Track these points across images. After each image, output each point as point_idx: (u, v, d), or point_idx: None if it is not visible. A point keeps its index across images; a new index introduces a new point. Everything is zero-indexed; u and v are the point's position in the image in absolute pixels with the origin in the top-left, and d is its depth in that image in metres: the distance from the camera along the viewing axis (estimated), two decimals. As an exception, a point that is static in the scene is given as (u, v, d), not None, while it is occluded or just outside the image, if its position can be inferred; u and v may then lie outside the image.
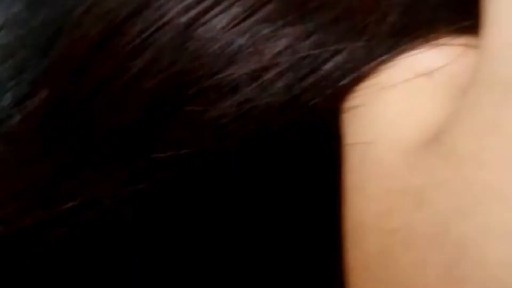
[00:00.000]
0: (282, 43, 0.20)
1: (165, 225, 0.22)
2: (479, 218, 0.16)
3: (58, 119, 0.22)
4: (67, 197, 0.22)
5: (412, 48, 0.20)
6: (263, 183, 0.22)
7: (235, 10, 0.21)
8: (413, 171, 0.17)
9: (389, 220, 0.17)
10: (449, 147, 0.17)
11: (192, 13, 0.21)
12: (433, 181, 0.17)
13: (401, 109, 0.19)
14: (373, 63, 0.20)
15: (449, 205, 0.16)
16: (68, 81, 0.22)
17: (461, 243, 0.16)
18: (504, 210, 0.16)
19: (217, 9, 0.21)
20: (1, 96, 0.23)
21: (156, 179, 0.21)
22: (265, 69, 0.21)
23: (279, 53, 0.20)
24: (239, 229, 0.22)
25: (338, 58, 0.20)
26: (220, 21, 0.21)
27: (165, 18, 0.21)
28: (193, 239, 0.23)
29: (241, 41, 0.21)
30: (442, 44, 0.20)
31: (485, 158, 0.16)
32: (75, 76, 0.22)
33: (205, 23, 0.21)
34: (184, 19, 0.21)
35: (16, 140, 0.23)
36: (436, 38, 0.20)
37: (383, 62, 0.20)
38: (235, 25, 0.21)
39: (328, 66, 0.20)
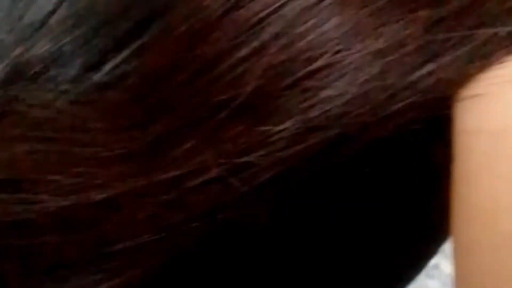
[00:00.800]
0: (409, 26, 0.21)
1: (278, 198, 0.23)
2: None
3: (164, 88, 0.23)
4: (171, 166, 0.23)
5: None
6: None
7: None
8: None
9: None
10: None
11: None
12: None
13: None
14: (502, 51, 0.20)
15: None
16: (182, 50, 0.23)
17: None
18: None
19: None
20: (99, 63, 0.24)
21: (269, 152, 0.22)
22: (388, 50, 0.21)
23: (405, 37, 0.21)
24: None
25: (466, 46, 0.21)
26: None
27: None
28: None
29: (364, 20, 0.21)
30: None
31: None
32: (188, 46, 0.23)
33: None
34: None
35: (120, 105, 0.24)
36: None
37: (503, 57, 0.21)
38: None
39: (454, 52, 0.21)
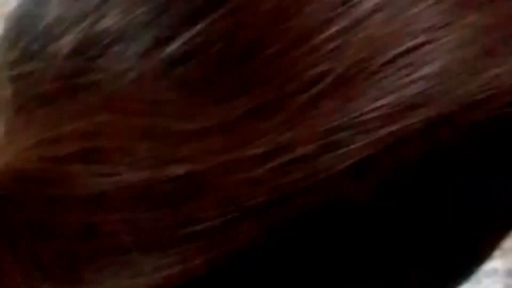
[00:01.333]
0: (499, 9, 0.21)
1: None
2: None
3: (254, 61, 0.22)
4: (259, 141, 0.22)
5: None
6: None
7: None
8: None
9: None
10: None
11: None
12: None
13: None
14: None
15: None
16: (273, 22, 0.22)
17: None
18: None
19: None
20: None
21: (364, 131, 0.21)
22: (493, 27, 0.21)
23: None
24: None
25: None
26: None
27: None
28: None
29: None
30: None
31: None
32: (280, 18, 0.22)
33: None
34: None
35: (203, 79, 0.23)
36: None
37: None
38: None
39: None
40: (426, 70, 0.21)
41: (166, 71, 0.23)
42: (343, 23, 0.21)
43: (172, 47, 0.23)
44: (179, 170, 0.22)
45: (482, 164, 0.23)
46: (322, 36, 0.21)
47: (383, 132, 0.21)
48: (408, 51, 0.21)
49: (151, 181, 0.22)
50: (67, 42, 0.24)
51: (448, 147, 0.22)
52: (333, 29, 0.21)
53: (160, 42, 0.23)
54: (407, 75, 0.21)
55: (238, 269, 0.23)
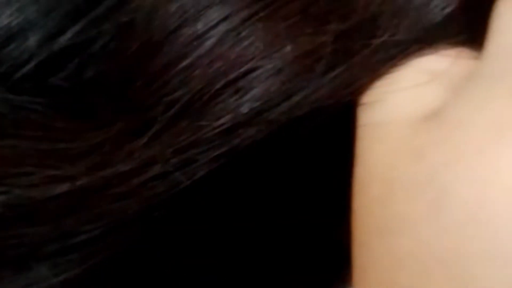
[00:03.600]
0: (319, 38, 0.25)
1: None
2: (458, 168, 0.21)
3: (125, 91, 0.26)
4: (126, 160, 0.25)
5: (421, 53, 0.25)
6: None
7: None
8: (415, 135, 0.23)
9: (391, 171, 0.23)
10: (444, 117, 0.22)
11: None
12: (429, 141, 0.22)
13: (409, 97, 0.24)
14: (388, 64, 0.25)
15: (438, 159, 0.22)
16: (139, 60, 0.26)
17: (441, 186, 0.21)
18: (479, 162, 0.21)
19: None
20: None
21: (208, 148, 0.25)
22: (300, 57, 0.25)
23: (316, 46, 0.25)
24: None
25: (357, 59, 0.25)
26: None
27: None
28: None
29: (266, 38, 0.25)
30: (447, 51, 0.25)
31: (469, 124, 0.22)
32: (145, 56, 0.26)
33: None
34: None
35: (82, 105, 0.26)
36: (442, 47, 0.25)
37: (398, 63, 0.25)
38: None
39: (347, 65, 0.25)
40: (252, 93, 0.25)
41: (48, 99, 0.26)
42: (188, 61, 0.26)
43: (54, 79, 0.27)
44: (63, 188, 0.25)
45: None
46: (174, 70, 0.26)
47: (224, 147, 0.25)
48: (237, 78, 0.25)
49: (38, 199, 0.25)
50: None
51: (278, 158, 0.26)
52: (182, 65, 0.26)
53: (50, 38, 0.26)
54: (238, 98, 0.25)
55: (121, 273, 0.27)
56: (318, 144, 0.26)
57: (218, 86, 0.25)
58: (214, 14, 0.25)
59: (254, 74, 0.25)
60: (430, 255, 0.21)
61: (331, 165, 0.27)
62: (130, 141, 0.26)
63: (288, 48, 0.25)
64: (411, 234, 0.22)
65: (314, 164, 0.27)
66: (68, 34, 0.26)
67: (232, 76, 0.25)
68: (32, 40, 0.26)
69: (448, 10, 0.25)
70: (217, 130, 0.25)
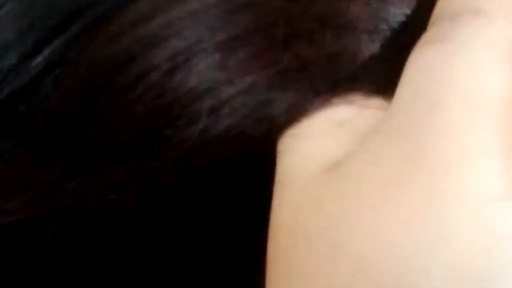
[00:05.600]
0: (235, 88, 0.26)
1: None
2: (350, 222, 0.22)
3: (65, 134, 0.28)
4: (63, 199, 0.27)
5: (330, 102, 0.25)
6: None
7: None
8: (316, 186, 0.23)
9: (295, 222, 0.23)
10: (343, 170, 0.23)
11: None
12: (327, 193, 0.23)
13: (315, 147, 0.25)
14: (301, 110, 0.25)
15: (334, 212, 0.22)
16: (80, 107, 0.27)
17: (335, 239, 0.22)
18: (367, 216, 0.22)
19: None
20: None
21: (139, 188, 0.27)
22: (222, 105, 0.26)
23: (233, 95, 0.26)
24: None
25: (276, 104, 0.26)
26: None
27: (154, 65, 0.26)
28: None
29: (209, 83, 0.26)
30: (357, 100, 0.25)
31: (364, 178, 0.22)
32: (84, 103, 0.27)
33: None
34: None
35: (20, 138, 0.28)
36: (353, 96, 0.25)
37: (309, 111, 0.25)
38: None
39: (266, 109, 0.26)
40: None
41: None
42: (130, 96, 0.27)
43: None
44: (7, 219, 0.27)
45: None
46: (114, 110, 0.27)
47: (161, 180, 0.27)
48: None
49: None
50: None
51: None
52: (124, 102, 0.27)
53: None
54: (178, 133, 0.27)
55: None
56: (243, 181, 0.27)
57: (149, 131, 0.27)
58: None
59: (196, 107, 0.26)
60: None
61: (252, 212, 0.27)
62: (70, 180, 0.27)
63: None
64: (308, 282, 0.22)
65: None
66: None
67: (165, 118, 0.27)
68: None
69: (360, 58, 0.26)
70: (151, 171, 0.27)
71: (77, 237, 0.28)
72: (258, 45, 0.26)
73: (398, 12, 0.27)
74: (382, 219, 0.21)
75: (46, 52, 0.28)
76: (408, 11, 0.27)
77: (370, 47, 0.26)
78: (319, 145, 0.24)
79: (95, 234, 0.27)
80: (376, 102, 0.25)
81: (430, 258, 0.20)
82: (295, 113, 0.26)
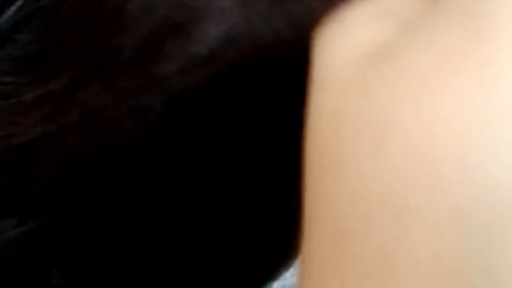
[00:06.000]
0: None
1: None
2: (402, 102, 0.21)
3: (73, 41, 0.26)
4: (78, 108, 0.25)
5: None
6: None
7: None
8: (363, 72, 0.22)
9: (341, 109, 0.22)
10: (392, 55, 0.22)
11: None
12: (375, 78, 0.21)
13: (358, 34, 0.23)
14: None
15: (384, 95, 0.21)
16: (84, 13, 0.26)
17: (386, 121, 0.21)
18: (422, 94, 0.20)
19: None
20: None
21: (160, 92, 0.25)
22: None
23: None
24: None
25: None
26: None
27: None
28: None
29: None
30: None
31: (415, 61, 0.21)
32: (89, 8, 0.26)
33: None
34: None
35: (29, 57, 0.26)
36: None
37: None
38: None
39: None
40: (206, 34, 0.25)
41: None
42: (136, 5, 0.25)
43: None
44: (19, 139, 0.26)
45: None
46: (123, 18, 0.25)
47: (175, 89, 0.25)
48: (190, 23, 0.25)
49: None
50: None
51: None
52: (131, 6, 0.25)
53: None
54: (190, 41, 0.25)
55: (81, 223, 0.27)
56: (274, 82, 0.26)
57: (170, 31, 0.25)
58: None
59: (205, 17, 0.25)
60: (374, 194, 0.20)
61: (285, 103, 0.26)
62: (81, 90, 0.25)
63: None
64: (357, 173, 0.21)
65: (270, 103, 0.26)
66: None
67: (183, 18, 0.25)
68: None
69: None
70: (170, 73, 0.25)
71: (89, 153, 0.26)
72: None
73: None
74: (440, 102, 0.20)
75: None
76: None
77: None
78: (361, 33, 0.23)
79: (108, 148, 0.25)
80: None
81: (495, 134, 0.19)
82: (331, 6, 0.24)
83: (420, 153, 0.20)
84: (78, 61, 0.26)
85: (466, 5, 0.21)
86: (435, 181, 0.19)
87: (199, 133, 0.26)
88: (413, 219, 0.20)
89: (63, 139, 0.26)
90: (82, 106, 0.25)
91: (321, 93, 0.23)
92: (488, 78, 0.19)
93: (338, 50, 0.23)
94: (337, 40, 0.23)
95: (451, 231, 0.19)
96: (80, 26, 0.26)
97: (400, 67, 0.21)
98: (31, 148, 0.26)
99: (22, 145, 0.26)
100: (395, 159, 0.20)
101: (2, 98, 0.26)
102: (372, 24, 0.23)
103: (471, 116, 0.19)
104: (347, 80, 0.22)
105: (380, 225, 0.20)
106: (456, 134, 0.19)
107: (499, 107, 0.19)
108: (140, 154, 0.26)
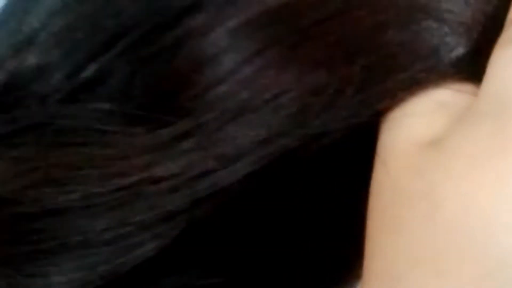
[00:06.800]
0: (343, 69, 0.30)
1: None
2: (449, 186, 0.26)
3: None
4: (177, 158, 0.30)
5: (432, 85, 0.30)
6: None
7: None
8: (419, 155, 0.28)
9: (399, 183, 0.28)
10: (443, 143, 0.27)
11: None
12: (429, 162, 0.27)
13: (419, 122, 0.29)
14: (406, 93, 0.30)
15: (435, 177, 0.27)
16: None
17: (435, 199, 0.26)
18: (464, 182, 0.26)
19: None
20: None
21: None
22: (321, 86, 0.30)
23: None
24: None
25: (380, 87, 0.30)
26: None
27: None
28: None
29: None
30: (453, 85, 0.30)
31: (460, 152, 0.27)
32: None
33: None
34: None
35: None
36: (449, 81, 0.30)
37: (413, 93, 0.30)
38: None
39: (373, 91, 0.30)
40: (289, 108, 0.30)
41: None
42: (231, 80, 0.30)
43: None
44: (123, 182, 0.30)
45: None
46: (217, 87, 0.31)
47: (261, 152, 0.30)
48: (276, 96, 0.30)
49: (100, 193, 0.30)
50: None
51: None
52: (224, 85, 0.30)
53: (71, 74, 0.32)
54: (275, 112, 0.30)
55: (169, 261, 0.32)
56: (345, 155, 0.31)
57: (257, 101, 0.30)
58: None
59: (290, 94, 0.30)
60: (422, 251, 0.26)
61: (353, 174, 0.31)
62: (178, 143, 0.30)
63: (323, 73, 0.30)
64: (409, 234, 0.27)
65: (340, 171, 0.32)
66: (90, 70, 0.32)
67: (269, 94, 0.30)
68: (56, 78, 0.32)
69: (457, 52, 0.30)
70: (254, 139, 0.30)
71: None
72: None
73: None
74: (474, 187, 0.26)
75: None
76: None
77: (467, 40, 0.30)
78: (422, 121, 0.29)
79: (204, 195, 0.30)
80: (468, 88, 0.30)
81: None
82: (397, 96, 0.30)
83: (459, 223, 0.25)
84: (177, 119, 0.31)
85: (496, 107, 0.27)
86: (470, 252, 0.25)
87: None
88: (451, 276, 0.25)
89: (160, 185, 0.30)
90: (179, 158, 0.30)
91: (384, 170, 0.29)
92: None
93: (400, 137, 0.29)
94: (400, 128, 0.29)
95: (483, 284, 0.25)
96: (184, 88, 0.31)
97: (448, 156, 0.27)
98: (131, 190, 0.30)
99: (122, 188, 0.30)
100: (441, 232, 0.26)
101: (110, 145, 0.31)
102: (429, 115, 0.29)
103: (496, 201, 0.25)
104: (405, 160, 0.28)
105: (423, 274, 0.26)
106: (486, 213, 0.25)
107: None
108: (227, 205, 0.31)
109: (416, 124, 0.29)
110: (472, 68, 0.30)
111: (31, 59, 0.33)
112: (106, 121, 0.31)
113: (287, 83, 0.30)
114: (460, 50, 0.30)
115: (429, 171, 0.27)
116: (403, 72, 0.30)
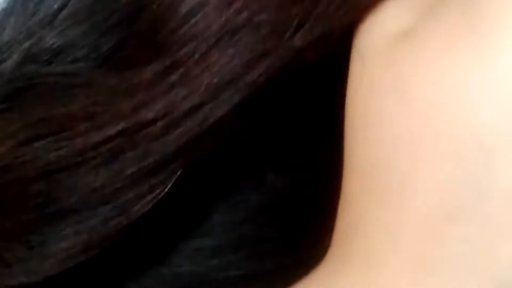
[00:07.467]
0: None
1: None
2: (420, 71, 0.26)
3: None
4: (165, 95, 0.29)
5: None
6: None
7: None
8: (390, 48, 0.27)
9: (373, 75, 0.27)
10: (413, 34, 0.27)
11: None
12: (400, 52, 0.27)
13: (389, 18, 0.28)
14: None
15: (406, 65, 0.27)
16: None
17: (408, 85, 0.26)
18: (436, 66, 0.26)
19: None
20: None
21: None
22: None
23: None
24: None
25: None
26: None
27: None
28: None
29: None
30: None
31: (430, 39, 0.26)
32: None
33: None
34: None
35: None
36: None
37: None
38: None
39: None
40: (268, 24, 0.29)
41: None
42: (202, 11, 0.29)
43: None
44: (112, 130, 0.29)
45: None
46: (190, 22, 0.29)
47: (249, 78, 0.29)
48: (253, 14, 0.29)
49: (92, 144, 0.30)
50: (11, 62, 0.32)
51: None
52: (196, 18, 0.29)
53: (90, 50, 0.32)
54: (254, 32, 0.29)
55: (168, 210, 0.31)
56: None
57: (235, 24, 0.29)
58: None
59: (268, 11, 0.29)
60: (399, 139, 0.26)
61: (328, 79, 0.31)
62: (161, 81, 0.29)
63: None
64: (385, 125, 0.27)
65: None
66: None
67: (247, 14, 0.29)
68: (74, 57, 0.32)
69: None
70: (237, 63, 0.29)
71: None
72: None
73: None
74: (444, 67, 0.26)
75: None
76: None
77: None
78: (394, 15, 0.28)
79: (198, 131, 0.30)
80: None
81: (493, 94, 0.25)
82: None
83: (433, 105, 0.26)
84: (158, 57, 0.30)
85: None
86: (446, 123, 0.25)
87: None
88: (429, 156, 0.25)
89: (152, 127, 0.29)
90: (166, 94, 0.29)
91: (359, 64, 0.28)
92: (482, 53, 0.25)
93: (373, 34, 0.28)
94: (374, 23, 0.29)
95: (451, 163, 0.25)
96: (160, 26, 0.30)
97: (418, 43, 0.27)
98: (123, 137, 0.30)
99: (114, 136, 0.29)
100: (416, 117, 0.26)
101: (98, 93, 0.30)
102: (401, 8, 0.28)
103: (467, 77, 0.25)
104: (379, 55, 0.28)
105: (401, 157, 0.26)
106: (457, 89, 0.26)
107: (491, 74, 0.25)
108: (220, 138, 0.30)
109: (388, 17, 0.28)
110: None
111: (50, 39, 0.33)
112: (88, 73, 0.31)
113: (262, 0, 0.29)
114: None
115: (400, 60, 0.27)
116: None
